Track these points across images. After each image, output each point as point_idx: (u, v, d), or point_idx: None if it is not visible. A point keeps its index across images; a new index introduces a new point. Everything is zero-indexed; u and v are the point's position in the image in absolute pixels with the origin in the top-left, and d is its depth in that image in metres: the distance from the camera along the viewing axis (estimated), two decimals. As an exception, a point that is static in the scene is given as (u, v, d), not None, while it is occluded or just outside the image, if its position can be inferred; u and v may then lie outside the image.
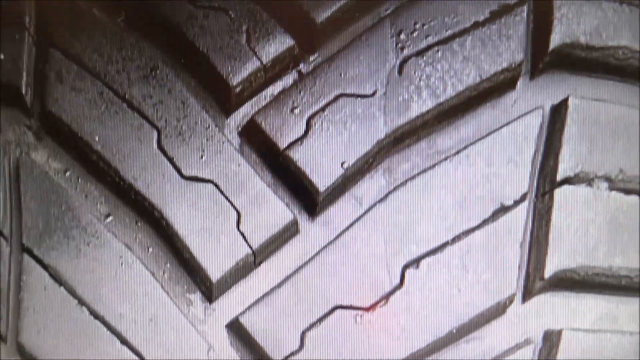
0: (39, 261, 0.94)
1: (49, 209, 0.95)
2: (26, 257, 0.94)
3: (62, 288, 0.94)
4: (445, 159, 1.00)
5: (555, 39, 1.02)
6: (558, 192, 0.99)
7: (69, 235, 0.95)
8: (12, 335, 0.93)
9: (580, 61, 1.03)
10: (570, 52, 1.02)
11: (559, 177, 1.00)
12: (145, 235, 0.96)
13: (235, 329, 0.96)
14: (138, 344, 0.94)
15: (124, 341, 0.93)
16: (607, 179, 1.00)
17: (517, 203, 0.99)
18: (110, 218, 0.96)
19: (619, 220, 1.00)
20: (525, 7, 1.03)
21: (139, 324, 0.94)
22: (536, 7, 1.03)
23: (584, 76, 1.04)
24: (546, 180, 1.00)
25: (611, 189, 1.00)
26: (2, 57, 0.99)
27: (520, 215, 0.99)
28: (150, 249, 0.96)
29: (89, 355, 0.93)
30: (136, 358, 0.94)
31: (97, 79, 0.98)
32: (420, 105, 0.99)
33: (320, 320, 0.95)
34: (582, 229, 0.99)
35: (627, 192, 1.00)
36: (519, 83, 1.02)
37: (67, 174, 0.97)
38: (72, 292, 0.94)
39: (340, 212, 0.98)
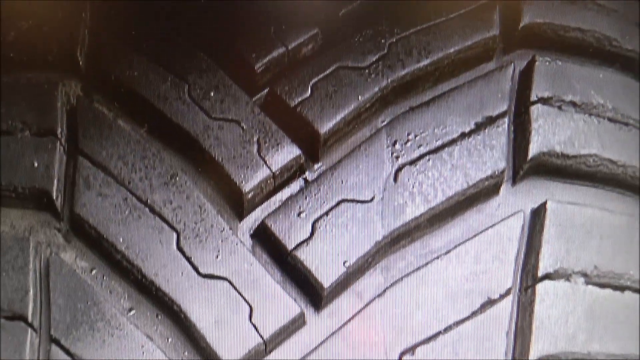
0: (66, 351, 0.95)
1: (76, 303, 0.97)
2: (54, 347, 0.95)
3: None
4: (437, 257, 1.02)
5: (534, 148, 1.06)
6: (539, 287, 1.02)
7: (94, 327, 0.96)
8: None
9: (556, 168, 1.08)
10: (547, 160, 1.07)
11: (540, 273, 1.03)
12: (165, 327, 0.98)
13: None
14: None
15: None
16: (584, 274, 1.03)
17: (502, 297, 1.02)
18: (132, 312, 0.98)
19: (595, 311, 1.02)
20: (506, 119, 1.08)
21: None
22: (516, 118, 1.09)
23: (560, 182, 1.08)
24: (528, 276, 1.03)
25: (587, 283, 1.03)
26: (36, 164, 1.02)
27: (506, 307, 1.01)
28: (170, 339, 0.97)
29: None
30: None
31: (122, 186, 1.01)
32: (414, 209, 1.02)
33: None
34: (562, 319, 1.01)
35: (602, 286, 1.04)
36: (502, 189, 1.07)
37: (94, 272, 0.99)
38: None
39: (343, 305, 1.00)
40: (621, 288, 1.04)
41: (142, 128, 1.05)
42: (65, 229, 1.01)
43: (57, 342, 0.95)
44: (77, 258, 1.00)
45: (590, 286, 1.03)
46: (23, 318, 0.95)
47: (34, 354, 0.94)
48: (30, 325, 0.96)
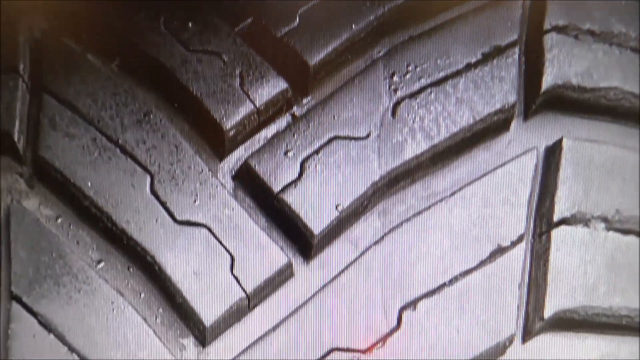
0: (28, 309, 0.92)
1: (39, 256, 0.94)
2: (15, 306, 0.92)
3: (51, 335, 0.92)
4: (441, 200, 0.99)
5: (548, 81, 1.03)
6: (555, 233, 0.99)
7: (60, 282, 0.93)
8: (0, 386, 0.91)
9: (572, 102, 1.03)
10: (562, 93, 1.03)
11: (555, 218, 0.99)
12: (138, 281, 0.95)
13: None
14: None
15: None
16: (604, 219, 1.00)
17: (514, 244, 0.98)
18: (102, 264, 0.95)
19: (617, 260, 0.99)
20: (516, 49, 1.03)
21: None
22: (527, 49, 1.04)
23: (577, 117, 1.04)
24: (543, 221, 1.00)
25: (608, 229, 1.00)
26: (-4, 104, 0.99)
27: (518, 256, 0.98)
28: (143, 295, 0.95)
29: None
30: None
31: (90, 125, 0.97)
32: (414, 147, 0.99)
33: None
34: (580, 269, 0.99)
35: (625, 232, 1.00)
36: (512, 124, 1.02)
37: (59, 220, 0.96)
38: (62, 340, 0.92)
39: (335, 254, 0.97)
40: (646, 234, 1.01)
41: (113, 62, 1.01)
42: (27, 173, 0.98)
43: (19, 300, 0.92)
44: (41, 205, 0.97)
45: (611, 232, 1.00)
46: (-21, 274, 0.93)
47: (-7, 314, 0.92)
48: (-11, 283, 0.93)
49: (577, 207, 1.00)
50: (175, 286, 0.94)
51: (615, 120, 1.04)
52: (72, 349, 0.91)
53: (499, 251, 0.98)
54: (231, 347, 0.95)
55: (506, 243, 0.98)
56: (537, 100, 1.02)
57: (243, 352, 0.94)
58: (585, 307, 0.98)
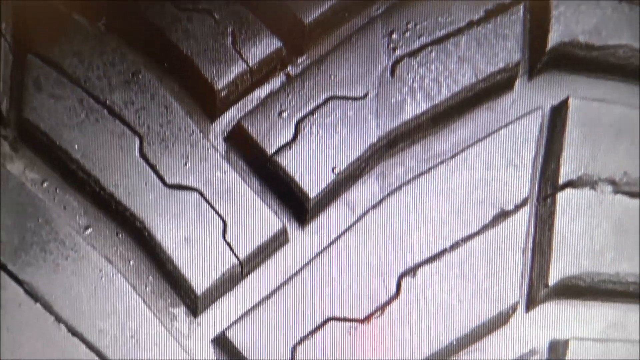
0: (14, 277, 0.90)
1: (25, 222, 0.92)
2: (1, 274, 0.90)
3: (38, 304, 0.90)
4: (442, 162, 0.98)
5: (553, 38, 1.01)
6: (560, 196, 0.98)
7: (46, 249, 0.92)
8: (-15, 356, 0.90)
9: (579, 61, 1.02)
10: (569, 51, 1.01)
11: (561, 181, 0.98)
12: (127, 248, 0.94)
13: (222, 344, 0.93)
14: None
15: (104, 359, 0.90)
16: (612, 182, 0.99)
17: (518, 208, 0.98)
18: (89, 230, 0.94)
19: (624, 224, 0.98)
20: (521, 6, 1.02)
21: (120, 340, 0.91)
22: (532, 5, 1.03)
23: (584, 76, 1.03)
24: (548, 184, 0.99)
25: (616, 192, 0.99)
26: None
27: (522, 221, 0.98)
28: (132, 262, 0.94)
29: None
30: None
31: (77, 86, 0.96)
32: (414, 107, 0.98)
33: (312, 333, 0.93)
34: (586, 234, 0.98)
35: (633, 195, 0.99)
36: (516, 84, 1.01)
37: (45, 184, 0.95)
38: (48, 309, 0.90)
39: (331, 219, 0.96)
40: (655, 198, 1.00)
41: (100, 21, 0.99)
42: (12, 136, 0.95)
43: (4, 267, 0.91)
44: (26, 169, 0.95)
45: (619, 195, 0.98)
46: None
47: (-24, 283, 0.90)
48: (-30, 252, 0.92)
49: (584, 170, 0.99)
50: (166, 253, 0.92)
51: (624, 79, 1.03)
52: (59, 319, 0.90)
53: (502, 215, 0.97)
54: (224, 316, 0.94)
55: (509, 207, 0.97)
56: (542, 58, 1.01)
57: (236, 321, 0.93)
58: (591, 273, 0.97)
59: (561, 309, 0.98)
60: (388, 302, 0.94)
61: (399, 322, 0.94)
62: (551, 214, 0.98)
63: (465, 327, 0.94)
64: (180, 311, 0.93)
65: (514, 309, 0.96)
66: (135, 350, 0.90)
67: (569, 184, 0.98)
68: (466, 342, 0.95)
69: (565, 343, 0.96)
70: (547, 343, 0.97)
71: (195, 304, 0.93)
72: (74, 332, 0.90)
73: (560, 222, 0.97)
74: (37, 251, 0.91)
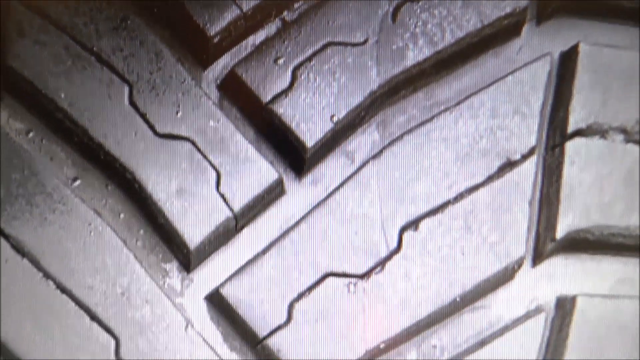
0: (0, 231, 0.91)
1: (10, 174, 0.92)
2: None
3: (25, 260, 0.90)
4: (445, 110, 0.97)
5: None
6: (569, 146, 0.97)
7: (33, 202, 0.91)
8: (-28, 312, 0.91)
9: (590, 5, 1.01)
10: None
11: (570, 129, 0.97)
12: (116, 200, 0.93)
13: (216, 301, 0.93)
14: (109, 319, 0.90)
15: (93, 317, 0.89)
16: (623, 130, 0.98)
17: (524, 158, 0.97)
18: (77, 182, 0.93)
19: (636, 175, 0.97)
20: None
21: (110, 297, 0.90)
22: None
23: (595, 21, 1.01)
24: (556, 133, 0.98)
25: (627, 141, 0.98)
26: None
27: (529, 171, 0.97)
28: (122, 215, 0.93)
29: (55, 332, 0.89)
30: (107, 335, 0.90)
31: (63, 32, 0.94)
32: (416, 53, 0.96)
33: (310, 289, 0.92)
34: (596, 185, 0.97)
35: None
36: (524, 29, 1.00)
37: (30, 135, 0.94)
38: (36, 264, 0.90)
39: (330, 170, 0.96)
40: (668, 147, 1.01)
41: None
42: None
43: None
44: (10, 119, 0.94)
45: (630, 145, 0.97)
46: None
47: (-41, 237, 0.92)
48: (-45, 203, 0.93)
49: (594, 118, 0.97)
50: (157, 205, 0.92)
51: (636, 24, 1.01)
52: (47, 275, 0.90)
53: (508, 165, 0.96)
54: (218, 272, 0.94)
55: (516, 157, 0.96)
56: (551, 2, 0.99)
57: (231, 277, 0.93)
58: (600, 226, 0.96)
59: (569, 263, 0.97)
60: (389, 257, 0.93)
61: (400, 278, 0.93)
62: (559, 164, 0.97)
63: (469, 282, 0.94)
64: (173, 267, 0.93)
65: (519, 263, 0.95)
66: (126, 307, 0.90)
67: (578, 132, 0.97)
68: (470, 298, 0.94)
69: (572, 299, 0.95)
70: (554, 299, 0.96)
71: (188, 259, 0.92)
72: (62, 289, 0.89)
73: (569, 172, 0.96)
74: (23, 204, 0.91)
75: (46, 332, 0.89)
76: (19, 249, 0.90)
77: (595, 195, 0.96)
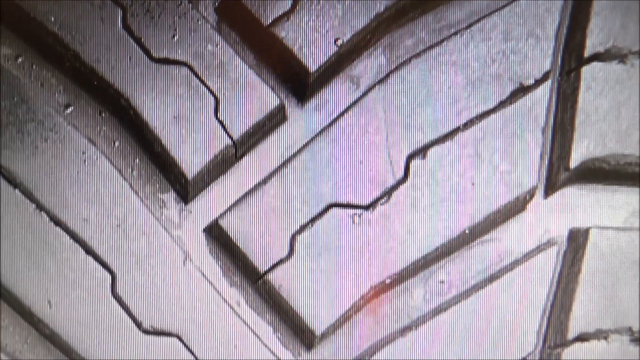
0: None
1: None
2: None
3: (17, 191, 0.89)
4: (455, 33, 0.94)
5: None
6: (586, 70, 0.95)
7: (24, 130, 0.90)
8: (-38, 247, 0.92)
9: None
10: None
11: (586, 53, 0.95)
12: (111, 128, 0.92)
13: (215, 233, 0.92)
14: (104, 252, 0.89)
15: (88, 250, 0.89)
16: None
17: (538, 83, 0.94)
18: (70, 109, 0.92)
19: None
20: None
21: (105, 230, 0.90)
22: None
23: None
24: (572, 57, 0.96)
25: None
26: None
27: (543, 97, 0.95)
28: (117, 143, 0.92)
29: (49, 266, 0.88)
30: (103, 269, 0.89)
31: None
32: None
33: (313, 221, 0.91)
34: (613, 112, 0.94)
35: None
36: None
37: (19, 60, 0.92)
38: (28, 196, 0.89)
39: (334, 95, 0.94)
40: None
41: None
42: None
43: None
44: None
45: None
46: None
47: (-51, 169, 0.93)
48: (-55, 133, 0.93)
49: (612, 41, 0.95)
50: (153, 133, 0.90)
51: None
52: (40, 207, 0.89)
53: (521, 91, 0.94)
54: (216, 202, 0.93)
55: (529, 82, 0.94)
56: None
57: (230, 208, 0.91)
58: (616, 155, 0.94)
59: (582, 194, 0.96)
60: (395, 187, 0.92)
61: (407, 209, 0.92)
62: (575, 89, 0.95)
63: (479, 213, 0.93)
64: (170, 197, 0.92)
65: (531, 194, 0.94)
66: (122, 240, 0.89)
67: (596, 57, 0.95)
68: (479, 230, 0.93)
69: (585, 232, 0.94)
70: (566, 231, 0.95)
71: (185, 190, 0.91)
72: (56, 221, 0.89)
73: (585, 98, 0.94)
74: (13, 133, 0.90)
75: (40, 267, 0.88)
76: (11, 180, 0.89)
77: (612, 122, 0.94)
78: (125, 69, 0.90)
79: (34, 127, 0.90)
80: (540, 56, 0.95)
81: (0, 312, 0.90)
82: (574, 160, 0.94)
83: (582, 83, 0.94)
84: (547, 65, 0.94)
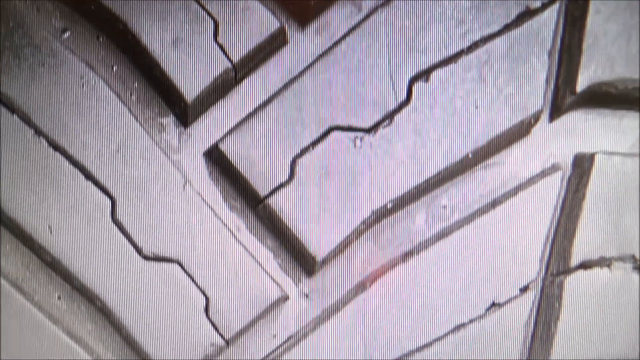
0: None
1: None
2: None
3: (15, 116, 0.88)
4: None
5: None
6: None
7: (21, 55, 0.89)
8: (-40, 173, 0.92)
9: None
10: None
11: None
12: (109, 52, 0.90)
13: (214, 157, 0.91)
14: (104, 177, 0.88)
15: (88, 175, 0.88)
16: None
17: (545, 5, 0.92)
18: (67, 33, 0.90)
19: None
20: None
21: (105, 154, 0.89)
22: None
23: None
24: None
25: None
26: None
27: (549, 19, 0.92)
28: (115, 67, 0.90)
29: (49, 191, 0.88)
30: (102, 195, 0.88)
31: None
32: None
33: (314, 144, 0.90)
34: (623, 35, 0.92)
35: None
36: None
37: None
38: (27, 121, 0.88)
39: (335, 17, 0.91)
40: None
41: None
42: None
43: None
44: None
45: None
46: None
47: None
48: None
49: None
50: (152, 57, 0.88)
51: None
52: (39, 132, 0.88)
53: (527, 14, 0.91)
54: (216, 126, 0.91)
55: (536, 4, 0.91)
56: None
57: (230, 132, 0.90)
58: (625, 79, 0.92)
59: (588, 119, 0.94)
60: (397, 110, 0.90)
61: (409, 132, 0.90)
62: (583, 12, 0.92)
63: (483, 137, 0.91)
64: (169, 121, 0.90)
65: (536, 117, 0.92)
66: (121, 164, 0.88)
67: None
68: (483, 154, 0.91)
69: (591, 157, 0.92)
70: (571, 157, 0.93)
71: (185, 114, 0.89)
72: (55, 146, 0.88)
73: (593, 21, 0.92)
74: (10, 58, 0.88)
75: (40, 193, 0.88)
76: (9, 105, 0.88)
77: (622, 46, 0.92)
78: (118, -11, 0.90)
79: (30, 52, 0.89)
80: (547, -19, 0.93)
81: (0, 239, 0.90)
82: (581, 84, 0.92)
83: (591, 5, 0.92)
84: (555, -12, 0.93)
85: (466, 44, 0.90)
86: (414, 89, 0.90)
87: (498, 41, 0.91)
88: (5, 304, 0.89)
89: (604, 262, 0.92)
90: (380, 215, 0.90)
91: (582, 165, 0.93)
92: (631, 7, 0.92)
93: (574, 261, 0.92)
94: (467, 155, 0.90)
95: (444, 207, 0.92)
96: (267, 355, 0.91)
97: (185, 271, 0.89)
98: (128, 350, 0.90)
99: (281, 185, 0.89)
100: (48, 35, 0.88)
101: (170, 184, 0.89)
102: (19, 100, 0.87)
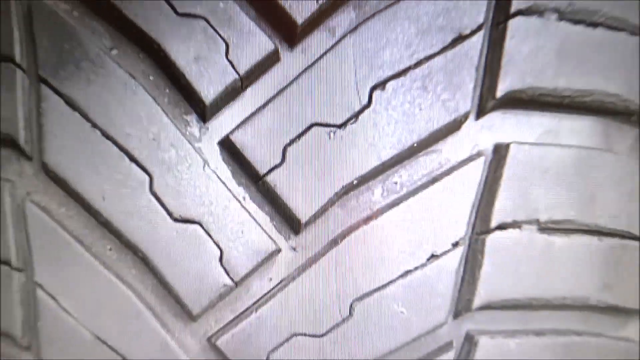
0: (55, 90, 0.92)
1: (60, 44, 0.92)
2: (43, 87, 0.92)
3: (76, 113, 0.93)
4: None
5: None
6: (512, 23, 0.95)
7: (80, 66, 0.93)
8: (37, 156, 0.93)
9: None
10: None
11: (512, 10, 0.95)
12: (147, 65, 0.94)
13: (227, 145, 0.95)
14: (143, 159, 0.93)
15: (132, 158, 0.93)
16: (557, 10, 0.96)
17: (473, 32, 0.95)
18: (114, 51, 0.94)
19: (565, 47, 0.96)
20: None
21: (145, 142, 0.93)
22: None
23: None
24: (501, 13, 0.96)
25: (560, 19, 0.95)
26: None
27: (477, 43, 0.95)
28: (152, 77, 0.94)
29: (102, 170, 0.93)
30: (142, 173, 0.93)
31: None
32: None
33: (299, 136, 0.94)
34: (531, 55, 0.95)
35: (575, 22, 0.96)
36: None
37: (74, 13, 0.94)
38: (85, 117, 0.93)
39: (315, 42, 0.95)
40: (594, 24, 0.96)
41: None
42: None
43: (46, 82, 0.92)
44: (57, 0, 0.94)
45: (563, 22, 0.96)
46: (11, 59, 0.92)
47: (26, 94, 0.91)
48: (19, 67, 0.92)
49: (533, 0, 0.95)
50: (179, 70, 0.92)
51: None
52: (94, 125, 0.93)
53: (460, 39, 0.95)
54: (227, 122, 0.95)
55: (466, 32, 0.95)
56: None
57: (238, 126, 0.94)
58: (533, 87, 0.95)
59: (505, 117, 0.97)
60: (361, 111, 0.93)
61: (370, 127, 0.93)
62: (502, 37, 0.94)
63: (425, 131, 0.94)
64: (192, 118, 0.94)
65: (466, 117, 0.96)
66: (157, 151, 0.92)
67: (520, 12, 0.94)
68: (425, 144, 0.95)
69: (507, 146, 0.96)
70: (492, 146, 0.96)
71: (204, 112, 0.94)
72: (107, 136, 0.92)
73: (510, 44, 0.94)
74: (72, 68, 0.92)
75: (95, 171, 0.92)
76: (72, 105, 0.92)
77: (531, 63, 0.94)
78: (156, 21, 0.91)
79: (87, 64, 0.92)
80: (475, 12, 0.94)
81: (68, 205, 0.93)
82: (500, 91, 0.95)
83: (508, 33, 0.94)
84: (480, 19, 0.95)
85: (413, 61, 0.94)
86: (374, 95, 0.94)
87: (437, 59, 0.94)
88: (70, 255, 0.93)
89: (515, 224, 0.95)
90: (348, 189, 0.94)
91: (500, 152, 0.96)
92: (538, 33, 0.95)
93: (493, 223, 0.95)
94: (413, 144, 0.94)
95: (395, 183, 0.95)
96: (265, 294, 0.94)
97: (205, 230, 0.93)
98: (162, 290, 0.93)
99: (275, 167, 0.93)
100: (100, 51, 0.92)
101: (193, 165, 0.93)
102: (79, 101, 0.92)
